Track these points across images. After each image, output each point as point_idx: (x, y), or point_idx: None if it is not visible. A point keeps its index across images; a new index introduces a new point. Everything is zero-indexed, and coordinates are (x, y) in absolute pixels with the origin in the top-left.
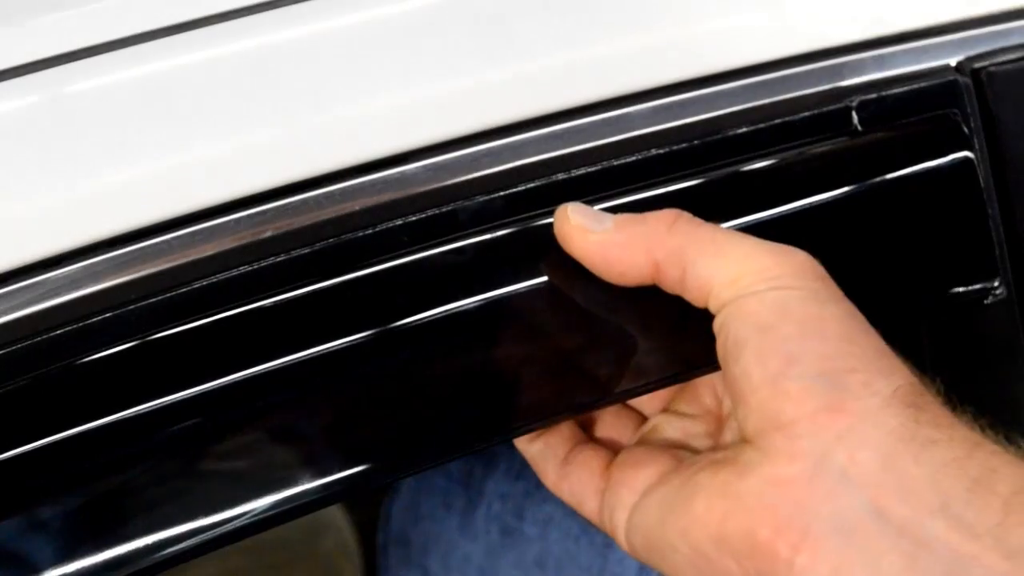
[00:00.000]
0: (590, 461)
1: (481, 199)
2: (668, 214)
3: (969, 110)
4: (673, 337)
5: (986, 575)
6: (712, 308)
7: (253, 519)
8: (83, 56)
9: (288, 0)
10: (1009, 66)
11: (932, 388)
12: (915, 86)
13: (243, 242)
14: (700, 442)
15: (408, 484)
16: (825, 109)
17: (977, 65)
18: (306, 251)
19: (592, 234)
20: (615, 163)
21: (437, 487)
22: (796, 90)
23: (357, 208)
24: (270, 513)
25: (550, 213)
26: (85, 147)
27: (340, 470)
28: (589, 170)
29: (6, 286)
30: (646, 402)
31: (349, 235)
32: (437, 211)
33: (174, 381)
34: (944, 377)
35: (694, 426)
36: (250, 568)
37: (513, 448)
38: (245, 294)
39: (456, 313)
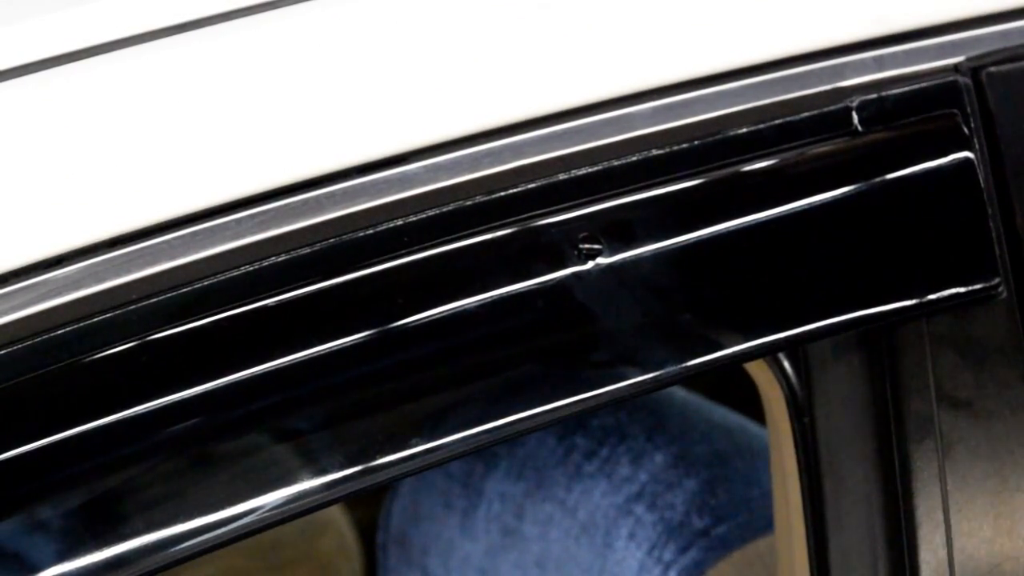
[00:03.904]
0: None
1: (481, 199)
2: None
3: (969, 110)
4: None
5: None
6: None
7: (254, 520)
8: (83, 56)
9: (288, 1)
10: (1009, 67)
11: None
12: (915, 86)
13: (244, 242)
14: None
15: (408, 484)
16: (825, 109)
17: (977, 65)
18: (307, 251)
19: None
20: (615, 163)
21: (437, 487)
22: (797, 90)
23: (358, 208)
24: (271, 514)
25: (551, 213)
26: (85, 147)
27: (341, 470)
28: (589, 170)
29: (7, 286)
30: None
31: (350, 235)
32: (437, 211)
33: (175, 381)
34: (945, 376)
35: None
36: (250, 568)
37: (513, 448)
38: (246, 294)
39: (456, 313)
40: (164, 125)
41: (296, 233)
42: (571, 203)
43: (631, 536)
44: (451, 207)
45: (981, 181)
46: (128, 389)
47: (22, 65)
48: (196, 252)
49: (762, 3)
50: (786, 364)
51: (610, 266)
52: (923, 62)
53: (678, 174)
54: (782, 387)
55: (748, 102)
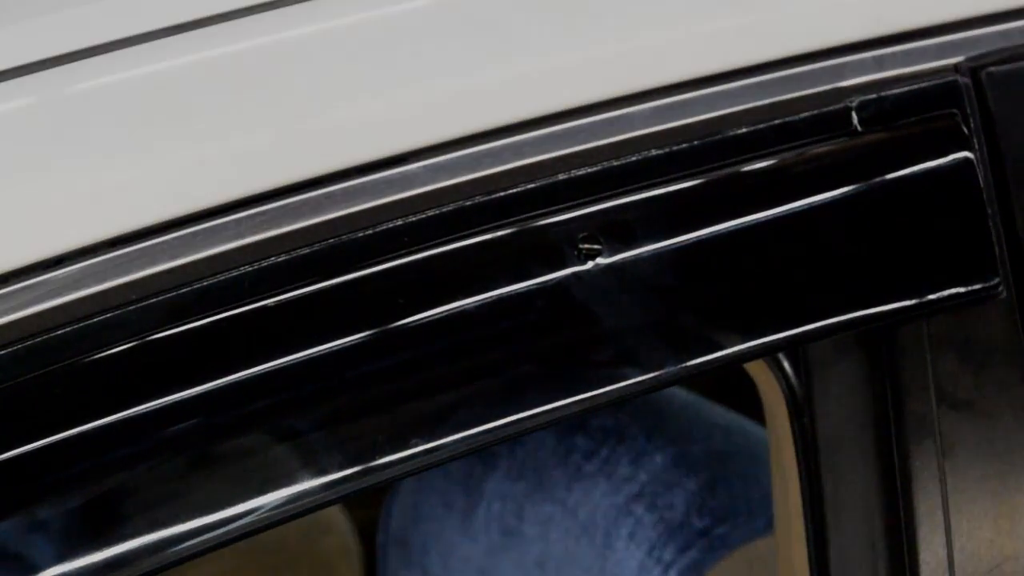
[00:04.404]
0: None
1: (481, 199)
2: None
3: (969, 110)
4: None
5: None
6: None
7: (254, 520)
8: (83, 56)
9: (288, 1)
10: (1009, 66)
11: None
12: (915, 86)
13: (244, 242)
14: None
15: (408, 484)
16: (825, 109)
17: (977, 65)
18: (306, 251)
19: None
20: (615, 163)
21: (437, 487)
22: (796, 90)
23: (358, 209)
24: (271, 514)
25: (551, 213)
26: (85, 148)
27: (341, 470)
28: (589, 170)
29: (7, 286)
30: None
31: (349, 235)
32: (438, 211)
33: (175, 381)
34: (945, 376)
35: None
36: (250, 569)
37: (513, 449)
38: (246, 294)
39: (457, 313)
40: (164, 125)
41: (296, 233)
42: (571, 203)
43: (631, 536)
44: (451, 207)
45: (981, 181)
46: (128, 389)
47: (23, 65)
48: (196, 252)
49: (762, 3)
50: (786, 364)
51: (610, 266)
52: (923, 62)
53: (678, 174)
54: (782, 387)
55: (748, 102)
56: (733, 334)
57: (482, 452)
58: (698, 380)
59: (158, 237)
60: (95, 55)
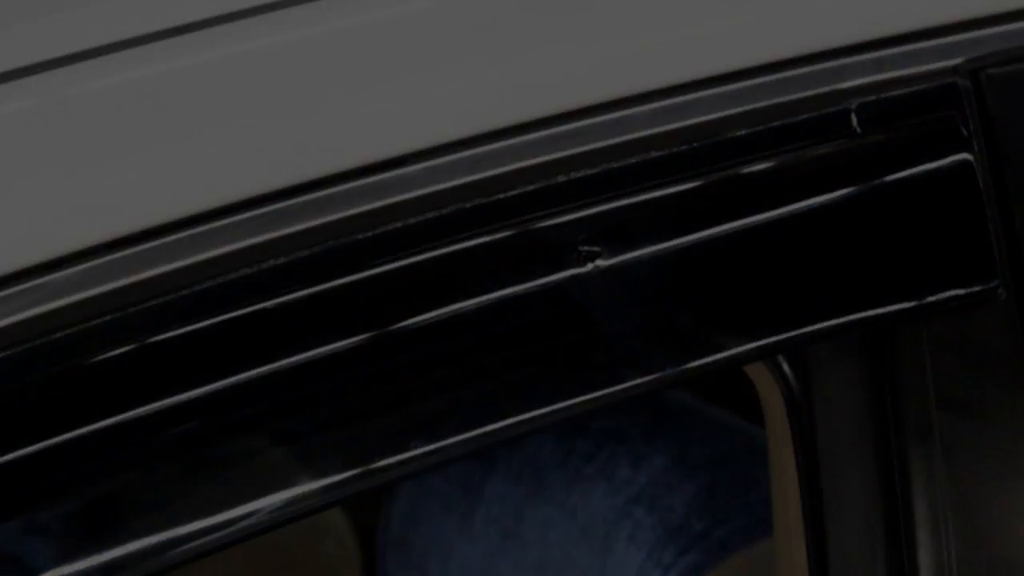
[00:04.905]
0: None
1: (481, 201)
2: None
3: (968, 112)
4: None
5: None
6: None
7: (254, 523)
8: (84, 58)
9: (288, 3)
10: (1008, 68)
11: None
12: (914, 88)
13: (243, 245)
14: None
15: (408, 487)
16: (825, 111)
17: (976, 67)
18: (306, 254)
19: None
20: (614, 166)
21: (437, 490)
22: (796, 92)
23: (356, 211)
24: (271, 516)
25: (550, 215)
26: (86, 150)
27: (341, 472)
28: (589, 172)
29: (7, 289)
30: None
31: (348, 238)
32: (437, 214)
33: (175, 384)
34: (944, 378)
35: None
36: (250, 571)
37: (513, 451)
38: (246, 297)
39: (456, 315)
40: (164, 127)
41: (295, 236)
42: (570, 206)
43: (631, 539)
44: (450, 210)
45: (980, 183)
46: (128, 392)
47: (24, 67)
48: (195, 255)
49: (761, 5)
50: (785, 366)
51: (609, 268)
52: (922, 64)
53: (677, 177)
54: (781, 389)
55: (747, 104)
56: (732, 336)
57: (482, 454)
58: (697, 382)
59: (158, 239)
60: (95, 57)
